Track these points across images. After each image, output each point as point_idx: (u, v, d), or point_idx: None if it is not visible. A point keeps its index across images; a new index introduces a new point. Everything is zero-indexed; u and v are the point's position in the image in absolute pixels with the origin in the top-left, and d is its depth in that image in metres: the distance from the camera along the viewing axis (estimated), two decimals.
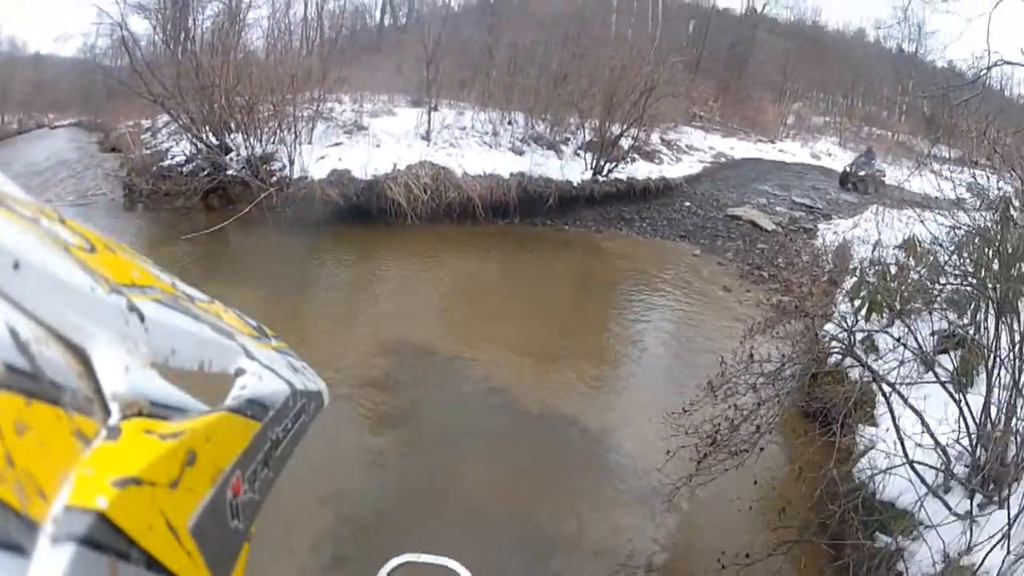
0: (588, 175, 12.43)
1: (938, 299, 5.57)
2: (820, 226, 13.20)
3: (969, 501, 4.13)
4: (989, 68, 6.30)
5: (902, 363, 4.74)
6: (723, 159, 17.60)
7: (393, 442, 5.42)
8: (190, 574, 0.33)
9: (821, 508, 4.22)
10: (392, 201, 10.12)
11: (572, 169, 12.28)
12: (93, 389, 0.32)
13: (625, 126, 12.79)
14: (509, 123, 12.79)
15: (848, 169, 19.10)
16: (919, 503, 4.13)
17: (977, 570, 3.69)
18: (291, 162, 10.66)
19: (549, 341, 7.33)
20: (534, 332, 7.51)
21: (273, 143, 10.91)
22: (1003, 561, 3.60)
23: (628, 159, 13.23)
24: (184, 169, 11.18)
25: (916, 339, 4.86)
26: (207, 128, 10.95)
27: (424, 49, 12.56)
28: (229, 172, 10.61)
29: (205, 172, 10.85)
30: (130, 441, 0.31)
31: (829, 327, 5.39)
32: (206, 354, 0.42)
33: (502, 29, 15.23)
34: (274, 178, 10.46)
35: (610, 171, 12.76)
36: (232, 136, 11.03)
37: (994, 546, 3.61)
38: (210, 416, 0.37)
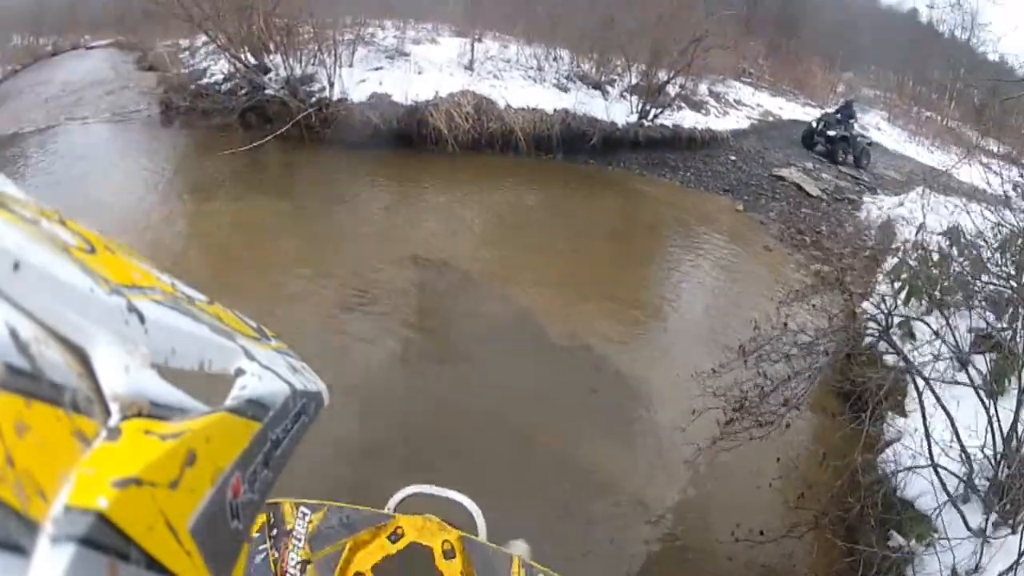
0: (633, 118, 11.99)
1: (978, 296, 5.38)
2: (865, 199, 12.58)
3: (984, 519, 3.97)
4: None
5: (937, 358, 4.52)
6: (771, 118, 16.69)
7: (418, 359, 5.32)
8: (190, 574, 0.32)
9: (841, 498, 4.10)
10: (433, 128, 9.95)
11: (617, 111, 11.84)
12: (93, 389, 0.31)
13: (672, 73, 12.31)
14: (554, 59, 12.31)
15: (814, 126, 14.82)
16: (938, 511, 4.01)
17: None
18: (331, 84, 10.38)
19: (584, 279, 7.14)
20: (570, 269, 7.32)
21: (313, 64, 10.62)
22: None
23: (675, 107, 12.76)
24: (222, 88, 10.96)
25: (953, 335, 4.65)
26: (245, 48, 10.66)
27: None
28: (267, 92, 10.36)
29: (243, 91, 10.62)
30: (130, 441, 0.31)
31: (867, 306, 5.20)
32: (206, 354, 0.41)
33: None
34: (313, 99, 10.20)
35: (655, 116, 12.29)
36: (271, 57, 10.74)
37: (1002, 574, 3.44)
38: (210, 416, 0.37)
